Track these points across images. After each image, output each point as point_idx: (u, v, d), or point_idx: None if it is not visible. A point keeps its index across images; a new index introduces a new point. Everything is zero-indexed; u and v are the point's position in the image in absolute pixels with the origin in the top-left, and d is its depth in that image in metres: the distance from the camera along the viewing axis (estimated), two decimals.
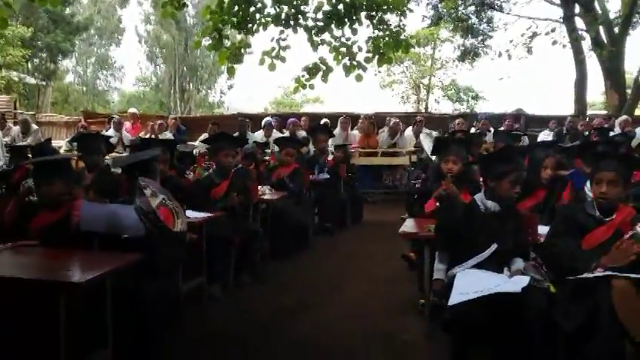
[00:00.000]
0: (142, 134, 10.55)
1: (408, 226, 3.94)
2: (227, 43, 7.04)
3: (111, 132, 10.09)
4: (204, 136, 9.36)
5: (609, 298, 2.63)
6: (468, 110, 23.22)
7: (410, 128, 10.42)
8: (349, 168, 7.80)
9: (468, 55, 18.77)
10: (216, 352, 3.33)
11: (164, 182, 4.51)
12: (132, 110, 12.43)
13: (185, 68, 32.98)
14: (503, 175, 3.14)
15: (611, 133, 8.65)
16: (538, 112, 14.01)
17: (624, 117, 10.82)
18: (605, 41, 14.38)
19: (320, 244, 6.25)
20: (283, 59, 7.02)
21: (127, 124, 11.15)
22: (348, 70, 7.12)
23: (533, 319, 2.73)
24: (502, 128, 10.29)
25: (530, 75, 50.09)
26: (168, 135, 10.56)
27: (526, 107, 13.87)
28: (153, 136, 9.66)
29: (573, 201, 3.82)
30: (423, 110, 23.96)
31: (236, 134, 9.77)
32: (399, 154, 9.78)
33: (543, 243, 3.17)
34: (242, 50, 7.15)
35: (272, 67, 6.96)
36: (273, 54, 6.99)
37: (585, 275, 2.75)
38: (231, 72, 7.21)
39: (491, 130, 9.95)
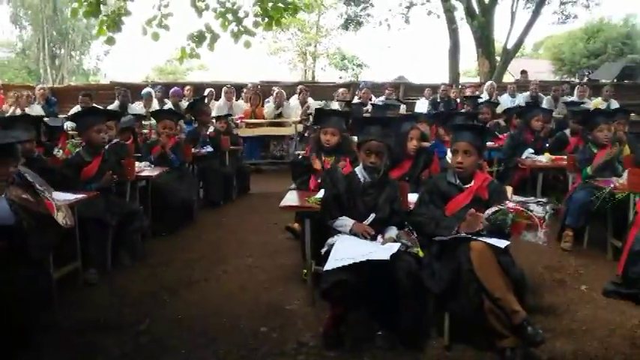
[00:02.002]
0: (5, 107, 9.62)
1: (290, 199, 4.00)
2: (105, 10, 6.49)
3: None
4: (76, 108, 8.74)
5: (469, 258, 2.89)
6: (353, 79, 23.84)
7: (295, 97, 10.49)
8: (232, 139, 7.70)
9: (351, 23, 19.18)
10: (93, 342, 3.13)
11: (30, 162, 4.20)
12: None
13: (55, 32, 30.30)
14: (358, 145, 3.37)
15: (480, 100, 9.33)
16: (419, 80, 14.71)
17: (489, 82, 11.67)
18: (477, 11, 15.29)
19: (205, 218, 6.15)
20: (167, 27, 6.61)
21: None
22: (236, 36, 6.87)
23: (403, 282, 2.91)
24: (382, 97, 10.69)
25: (411, 44, 52.36)
26: (36, 108, 9.73)
27: (407, 75, 14.49)
28: (19, 110, 8.83)
29: (441, 171, 4.08)
30: (310, 78, 24.18)
31: (115, 105, 9.24)
32: (285, 124, 9.82)
33: (411, 211, 3.38)
34: (121, 18, 6.64)
35: (155, 37, 6.54)
36: (155, 22, 6.58)
37: (447, 237, 3.02)
38: (110, 41, 6.64)
39: (372, 98, 10.33)
